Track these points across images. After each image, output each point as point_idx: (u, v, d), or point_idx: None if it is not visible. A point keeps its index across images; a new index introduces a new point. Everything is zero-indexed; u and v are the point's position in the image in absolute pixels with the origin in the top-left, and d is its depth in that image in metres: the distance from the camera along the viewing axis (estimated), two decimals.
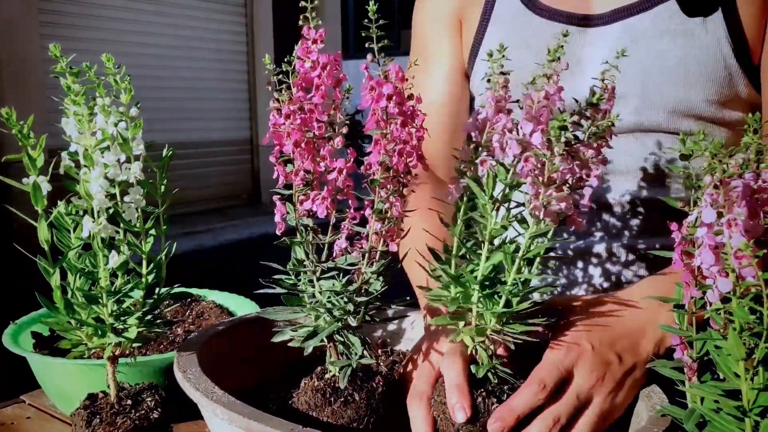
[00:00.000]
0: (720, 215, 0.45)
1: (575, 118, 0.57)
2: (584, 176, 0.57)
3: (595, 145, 0.57)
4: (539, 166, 0.55)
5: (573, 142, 0.55)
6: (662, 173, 0.90)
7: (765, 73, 0.85)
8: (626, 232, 0.93)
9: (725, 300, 0.48)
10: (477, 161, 0.58)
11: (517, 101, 0.58)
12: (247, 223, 6.69)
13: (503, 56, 0.58)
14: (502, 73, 0.57)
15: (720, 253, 0.46)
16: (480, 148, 0.58)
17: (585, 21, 0.93)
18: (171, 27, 7.01)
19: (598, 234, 0.94)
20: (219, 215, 7.06)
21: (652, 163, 0.90)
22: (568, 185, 0.56)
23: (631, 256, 0.93)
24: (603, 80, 0.59)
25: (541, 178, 0.55)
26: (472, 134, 0.59)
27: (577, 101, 0.59)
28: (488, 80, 0.58)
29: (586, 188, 0.58)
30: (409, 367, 0.72)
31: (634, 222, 0.93)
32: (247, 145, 7.68)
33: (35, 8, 5.69)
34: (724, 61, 0.84)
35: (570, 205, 0.56)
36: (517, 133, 0.55)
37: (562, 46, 0.56)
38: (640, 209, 0.92)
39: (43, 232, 0.69)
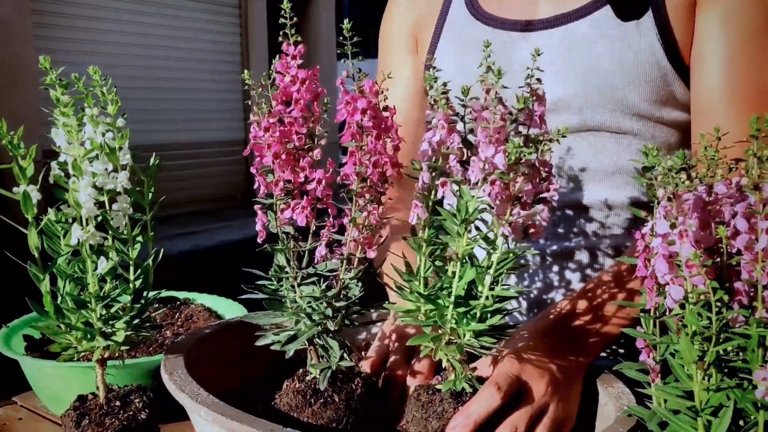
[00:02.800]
0: (673, 226, 0.48)
1: (513, 127, 0.60)
2: (544, 190, 0.59)
3: (548, 158, 0.59)
4: (504, 186, 0.57)
5: (531, 160, 0.58)
6: (609, 171, 0.94)
7: (692, 74, 0.89)
8: (576, 231, 0.96)
9: (684, 306, 0.50)
10: (437, 183, 0.60)
11: (456, 114, 0.61)
12: (243, 224, 6.69)
13: (436, 69, 0.62)
14: (443, 93, 0.59)
15: (674, 262, 0.48)
16: (437, 170, 0.61)
17: (528, 27, 0.96)
18: (165, 28, 7.01)
19: (552, 235, 0.97)
20: (214, 216, 7.07)
21: (600, 161, 0.93)
22: (530, 201, 0.59)
23: (586, 254, 0.96)
24: (529, 85, 0.62)
25: (506, 198, 0.57)
26: (428, 157, 0.62)
27: (510, 113, 0.61)
28: (434, 101, 0.60)
29: (545, 201, 0.61)
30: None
31: (583, 221, 0.95)
32: (241, 145, 7.68)
33: (29, 9, 5.69)
34: (658, 63, 0.88)
35: (533, 219, 0.59)
36: (476, 155, 0.58)
37: (490, 55, 0.59)
38: (590, 208, 0.95)
39: (33, 239, 0.72)
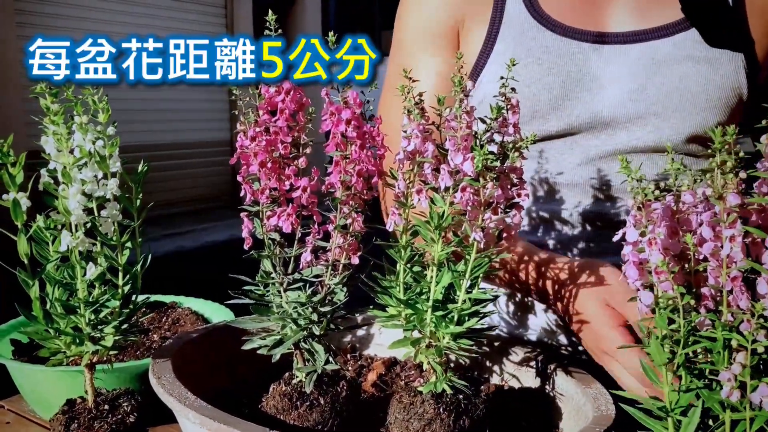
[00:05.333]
0: (643, 234, 0.50)
1: (488, 135, 0.62)
2: (515, 195, 0.62)
3: (518, 165, 0.62)
4: (474, 192, 0.59)
5: (499, 166, 0.60)
6: None
7: None
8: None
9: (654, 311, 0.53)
10: (413, 190, 0.62)
11: (432, 123, 0.63)
12: (228, 225, 6.67)
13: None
14: (416, 103, 0.61)
15: (644, 268, 0.50)
16: (413, 178, 0.63)
17: (600, 39, 0.93)
18: (151, 28, 6.98)
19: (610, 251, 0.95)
20: (199, 217, 7.05)
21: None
22: (501, 207, 0.61)
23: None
24: (504, 95, 0.63)
25: (477, 204, 0.60)
26: (404, 165, 0.64)
27: (483, 120, 0.63)
28: (408, 111, 0.62)
29: (518, 206, 0.63)
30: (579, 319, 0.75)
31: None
32: (226, 146, 7.67)
33: (12, 9, 5.66)
34: (739, 90, 0.88)
35: (505, 224, 0.61)
36: (447, 163, 0.60)
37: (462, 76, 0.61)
38: None
39: (22, 246, 0.73)
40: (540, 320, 0.99)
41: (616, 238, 0.52)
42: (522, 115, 0.90)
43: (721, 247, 0.48)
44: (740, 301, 0.48)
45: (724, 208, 0.47)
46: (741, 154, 0.47)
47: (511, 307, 1.03)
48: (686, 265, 0.51)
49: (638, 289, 0.51)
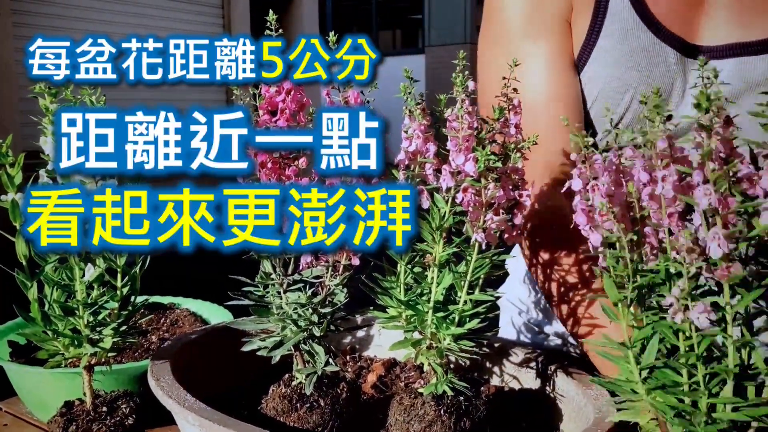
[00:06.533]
0: (586, 183, 0.54)
1: (488, 136, 0.62)
2: (517, 197, 0.62)
3: (520, 165, 0.62)
4: (476, 193, 0.59)
5: (501, 167, 0.61)
6: None
7: None
8: None
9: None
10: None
11: (433, 124, 0.63)
12: None
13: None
14: (418, 103, 0.61)
15: (592, 215, 0.55)
16: (415, 178, 0.63)
17: (694, 51, 0.86)
18: (147, 28, 6.97)
19: None
20: None
21: None
22: (503, 208, 0.61)
23: None
24: (505, 95, 0.63)
25: (479, 205, 0.60)
26: (403, 165, 0.64)
27: (485, 121, 0.63)
28: (410, 112, 0.62)
29: (520, 206, 0.63)
30: None
31: None
32: None
33: (8, 9, 5.65)
34: None
35: (507, 224, 0.61)
36: (449, 164, 0.60)
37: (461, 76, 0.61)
38: None
39: (21, 247, 0.72)
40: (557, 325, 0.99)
41: (563, 190, 0.56)
42: (603, 123, 0.88)
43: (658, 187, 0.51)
44: (679, 237, 0.50)
45: (656, 153, 0.51)
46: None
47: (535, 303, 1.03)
48: (631, 213, 0.55)
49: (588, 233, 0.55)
